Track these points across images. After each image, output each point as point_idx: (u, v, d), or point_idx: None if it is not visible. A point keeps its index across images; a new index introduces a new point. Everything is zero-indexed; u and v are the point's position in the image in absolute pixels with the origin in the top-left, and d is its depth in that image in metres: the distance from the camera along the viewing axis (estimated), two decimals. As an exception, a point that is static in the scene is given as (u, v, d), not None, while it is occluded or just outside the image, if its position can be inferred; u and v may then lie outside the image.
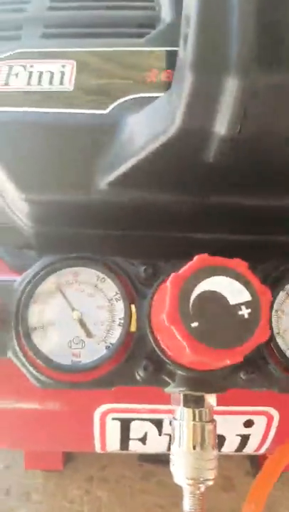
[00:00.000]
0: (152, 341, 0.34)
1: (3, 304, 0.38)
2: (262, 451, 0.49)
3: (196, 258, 0.29)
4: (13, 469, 0.65)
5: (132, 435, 0.45)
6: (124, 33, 0.46)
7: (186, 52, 0.26)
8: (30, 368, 0.36)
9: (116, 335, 0.36)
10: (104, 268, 0.38)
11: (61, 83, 0.39)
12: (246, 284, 0.28)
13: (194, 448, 0.35)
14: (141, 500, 0.62)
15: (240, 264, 0.29)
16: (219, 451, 0.47)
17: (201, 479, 0.34)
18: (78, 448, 0.53)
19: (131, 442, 0.47)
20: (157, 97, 0.37)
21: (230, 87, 0.25)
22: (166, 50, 0.41)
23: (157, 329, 0.33)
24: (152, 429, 0.45)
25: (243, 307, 0.28)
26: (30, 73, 0.40)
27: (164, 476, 0.65)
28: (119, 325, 0.37)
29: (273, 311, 0.37)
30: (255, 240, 0.38)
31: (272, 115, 0.26)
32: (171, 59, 0.41)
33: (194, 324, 0.27)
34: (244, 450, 0.48)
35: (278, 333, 0.37)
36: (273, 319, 0.37)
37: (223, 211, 0.36)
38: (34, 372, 0.36)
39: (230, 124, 0.26)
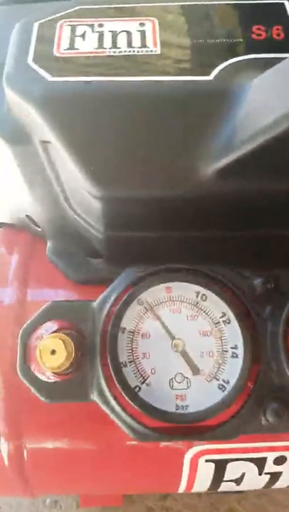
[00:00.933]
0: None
1: (78, 329, 0.30)
2: None
3: None
4: (64, 505, 0.57)
5: (226, 477, 0.38)
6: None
7: None
8: (124, 416, 0.28)
9: (231, 370, 0.28)
10: (207, 281, 0.30)
11: (143, 45, 0.30)
12: None
13: None
14: (209, 533, 0.55)
15: None
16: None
17: None
18: (158, 491, 0.45)
19: (224, 484, 0.39)
20: (275, 58, 0.28)
21: None
22: (268, 3, 0.33)
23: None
24: (252, 469, 0.37)
25: None
26: (101, 34, 0.31)
27: (235, 503, 0.57)
28: (233, 356, 0.29)
29: None
30: None
31: None
32: (275, 13, 0.32)
33: None
34: None
35: None
36: None
37: None
38: (129, 421, 0.28)
39: None
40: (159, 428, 0.28)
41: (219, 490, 0.41)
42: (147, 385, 0.28)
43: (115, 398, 0.28)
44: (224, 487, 0.40)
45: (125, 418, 0.28)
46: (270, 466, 0.37)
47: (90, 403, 0.31)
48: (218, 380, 0.28)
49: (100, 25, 0.31)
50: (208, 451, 0.36)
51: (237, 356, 0.28)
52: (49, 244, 0.38)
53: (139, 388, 0.28)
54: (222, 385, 0.28)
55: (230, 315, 0.29)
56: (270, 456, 0.37)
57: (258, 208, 0.29)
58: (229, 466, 0.37)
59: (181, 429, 0.27)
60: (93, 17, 0.32)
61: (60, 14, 0.33)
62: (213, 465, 0.37)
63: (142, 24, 0.31)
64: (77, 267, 0.37)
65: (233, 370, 0.28)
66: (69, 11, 0.33)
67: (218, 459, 0.36)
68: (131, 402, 0.27)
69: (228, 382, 0.28)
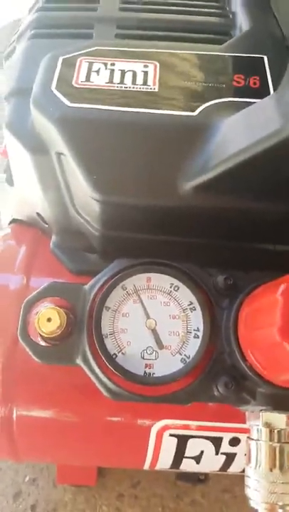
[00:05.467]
0: (238, 356, 0.33)
1: (70, 307, 0.36)
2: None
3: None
4: (41, 483, 0.62)
5: (187, 453, 0.43)
6: (197, 38, 0.45)
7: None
8: (102, 377, 0.34)
9: (192, 347, 0.35)
10: (181, 275, 0.36)
11: (145, 83, 0.38)
12: None
13: (272, 470, 0.33)
14: (173, 521, 0.60)
15: None
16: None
17: (280, 504, 0.32)
18: (125, 464, 0.50)
19: (184, 461, 0.44)
20: (248, 102, 0.36)
21: None
22: (250, 57, 0.40)
23: (249, 344, 0.31)
24: (209, 448, 0.43)
25: None
26: (112, 71, 0.38)
27: (199, 496, 0.62)
28: (195, 337, 0.35)
29: None
30: None
31: None
32: (255, 66, 0.40)
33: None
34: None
35: None
36: None
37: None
38: (106, 381, 0.34)
39: None
40: (129, 390, 0.34)
41: (181, 468, 0.46)
42: (123, 353, 0.34)
43: (96, 362, 0.34)
44: (185, 465, 0.45)
45: (103, 379, 0.34)
46: (225, 447, 0.43)
47: (76, 380, 0.37)
48: (181, 354, 0.35)
49: (112, 64, 0.39)
50: (172, 426, 0.41)
51: (198, 337, 0.35)
52: (53, 239, 0.45)
53: (116, 355, 0.34)
54: (184, 359, 0.34)
55: (196, 304, 0.35)
56: (226, 437, 0.42)
57: (226, 222, 0.36)
58: (189, 442, 0.42)
59: (147, 391, 0.33)
60: (108, 57, 0.40)
61: (81, 52, 0.40)
62: (175, 440, 0.42)
63: (146, 66, 0.39)
64: (76, 260, 0.44)
65: (194, 348, 0.34)
66: (89, 49, 0.41)
67: (180, 434, 0.42)
68: (109, 365, 0.34)
69: (189, 357, 0.34)
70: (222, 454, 0.43)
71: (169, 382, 0.34)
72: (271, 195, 0.33)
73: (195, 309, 0.36)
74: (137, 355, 0.34)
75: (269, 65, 0.39)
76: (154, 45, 0.42)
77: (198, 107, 0.36)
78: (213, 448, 0.43)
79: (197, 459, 0.44)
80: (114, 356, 0.34)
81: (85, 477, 0.57)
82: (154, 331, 0.35)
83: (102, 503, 0.60)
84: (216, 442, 0.42)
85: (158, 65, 0.39)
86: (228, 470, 0.46)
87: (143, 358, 0.34)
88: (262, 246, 0.38)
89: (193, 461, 0.44)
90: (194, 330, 0.35)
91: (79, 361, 0.35)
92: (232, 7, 0.48)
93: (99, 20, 0.46)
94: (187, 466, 0.45)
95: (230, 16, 0.47)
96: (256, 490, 0.33)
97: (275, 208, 0.33)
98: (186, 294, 0.36)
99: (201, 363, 0.34)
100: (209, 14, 0.47)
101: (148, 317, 0.35)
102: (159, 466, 0.46)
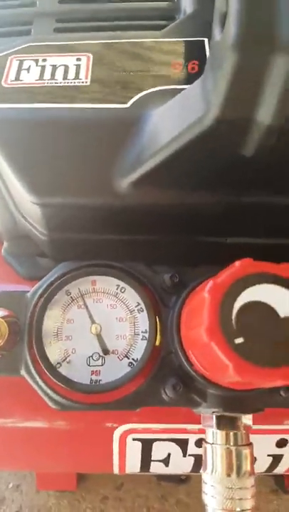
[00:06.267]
0: (182, 357, 0.31)
1: (15, 316, 0.35)
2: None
3: (238, 263, 0.25)
4: (24, 489, 0.61)
5: (154, 456, 0.42)
6: (141, 26, 0.43)
7: (225, 33, 0.23)
8: (45, 388, 0.33)
9: (139, 350, 0.33)
10: (126, 276, 0.35)
11: (77, 77, 0.36)
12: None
13: (229, 475, 0.31)
14: (159, 522, 0.59)
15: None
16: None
17: (238, 510, 0.31)
18: (95, 470, 0.49)
19: (153, 464, 0.43)
20: (184, 89, 0.34)
21: (280, 67, 0.22)
22: (189, 41, 0.38)
23: (189, 344, 0.30)
24: (176, 450, 0.42)
25: (291, 320, 0.24)
26: (43, 67, 0.37)
27: (184, 496, 0.61)
28: (142, 339, 0.34)
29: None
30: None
31: None
32: (195, 50, 0.38)
33: (238, 340, 0.24)
34: (275, 471, 0.45)
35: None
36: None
37: (257, 212, 0.33)
38: (49, 392, 0.32)
39: (277, 112, 0.23)
40: (75, 399, 0.32)
41: (151, 471, 0.45)
42: (68, 362, 0.33)
43: (38, 373, 0.33)
44: (155, 468, 0.44)
45: (46, 390, 0.32)
46: (192, 448, 0.42)
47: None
48: (128, 358, 0.33)
49: (44, 60, 0.37)
50: (134, 430, 0.40)
51: (146, 339, 0.33)
52: (4, 245, 0.44)
53: (60, 365, 0.33)
54: (131, 363, 0.33)
55: (143, 305, 0.34)
56: (192, 438, 0.41)
57: (168, 217, 0.34)
58: (155, 445, 0.41)
59: (94, 399, 0.32)
60: (41, 53, 0.38)
61: (12, 50, 0.39)
62: (140, 444, 0.41)
63: (78, 59, 0.37)
64: (27, 265, 0.43)
65: (142, 350, 0.33)
66: (21, 47, 0.39)
67: (144, 438, 0.41)
68: (51, 377, 0.32)
69: (136, 361, 0.33)
70: (190, 455, 0.42)
71: (116, 388, 0.32)
72: (208, 185, 0.31)
73: (143, 310, 0.34)
74: (83, 362, 0.33)
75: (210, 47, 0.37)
76: (93, 37, 0.40)
77: (131, 98, 0.34)
78: (180, 450, 0.42)
79: (165, 461, 0.43)
80: (58, 366, 0.33)
81: (65, 482, 0.57)
82: (99, 336, 0.34)
83: (87, 507, 0.60)
84: (182, 444, 0.41)
85: (91, 57, 0.37)
86: (201, 471, 0.45)
87: (89, 365, 0.33)
88: (213, 239, 0.36)
89: (162, 464, 0.43)
90: (142, 332, 0.34)
91: (23, 372, 0.33)
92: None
93: (39, 16, 0.44)
94: (157, 469, 0.44)
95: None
96: (213, 496, 0.31)
97: (214, 200, 0.31)
98: (132, 295, 0.34)
99: (148, 366, 0.32)
100: (153, -1, 0.45)
101: (93, 322, 0.34)
102: (129, 470, 0.45)
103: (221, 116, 0.25)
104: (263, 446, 0.41)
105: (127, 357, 0.33)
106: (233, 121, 0.25)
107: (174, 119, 0.30)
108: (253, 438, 0.39)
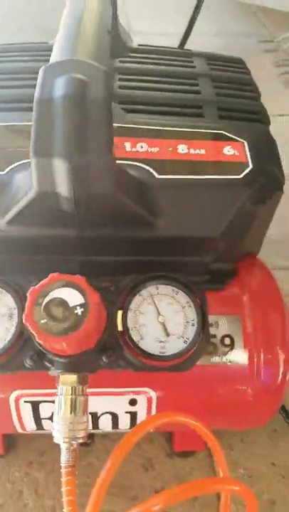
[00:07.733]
0: (33, 338, 0.47)
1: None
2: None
3: (49, 276, 0.42)
4: None
5: (42, 415, 0.58)
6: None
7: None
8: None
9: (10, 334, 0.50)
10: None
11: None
12: (82, 292, 0.42)
13: (70, 413, 0.47)
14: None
15: (79, 279, 0.42)
16: (117, 429, 0.60)
17: (74, 437, 0.47)
18: (3, 430, 0.65)
19: (43, 422, 0.59)
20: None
21: (58, 166, 0.39)
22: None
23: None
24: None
25: (78, 307, 0.41)
26: None
27: (95, 459, 0.76)
28: (16, 328, 0.50)
29: (132, 311, 0.50)
30: (117, 260, 0.52)
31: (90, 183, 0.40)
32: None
33: (43, 321, 0.40)
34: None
35: (134, 327, 0.50)
36: (130, 317, 0.50)
37: (95, 240, 0.50)
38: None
39: (66, 190, 0.40)
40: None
41: (46, 429, 0.60)
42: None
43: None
44: (47, 426, 0.60)
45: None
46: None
47: None
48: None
49: None
50: (25, 394, 0.56)
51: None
52: None
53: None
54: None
55: (17, 306, 0.51)
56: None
57: (35, 241, 0.51)
58: (41, 406, 0.57)
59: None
60: None
61: None
62: (30, 405, 0.57)
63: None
64: None
65: (11, 335, 0.49)
66: None
67: (32, 400, 0.57)
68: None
69: (6, 341, 0.49)
70: (69, 413, 0.58)
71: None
72: (58, 224, 0.47)
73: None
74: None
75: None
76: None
77: (8, 167, 0.50)
78: (60, 409, 0.57)
79: (52, 419, 0.58)
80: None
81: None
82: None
83: (14, 469, 0.75)
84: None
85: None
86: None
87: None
88: (66, 257, 0.52)
89: (50, 422, 0.59)
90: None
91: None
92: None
93: None
94: (49, 427, 0.60)
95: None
96: (58, 430, 0.47)
97: (66, 233, 0.48)
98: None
99: (14, 344, 0.49)
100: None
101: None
102: (28, 429, 0.60)
103: (39, 190, 0.42)
104: (120, 404, 0.57)
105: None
106: (47, 193, 0.42)
107: (24, 185, 0.47)
108: (112, 399, 0.55)
